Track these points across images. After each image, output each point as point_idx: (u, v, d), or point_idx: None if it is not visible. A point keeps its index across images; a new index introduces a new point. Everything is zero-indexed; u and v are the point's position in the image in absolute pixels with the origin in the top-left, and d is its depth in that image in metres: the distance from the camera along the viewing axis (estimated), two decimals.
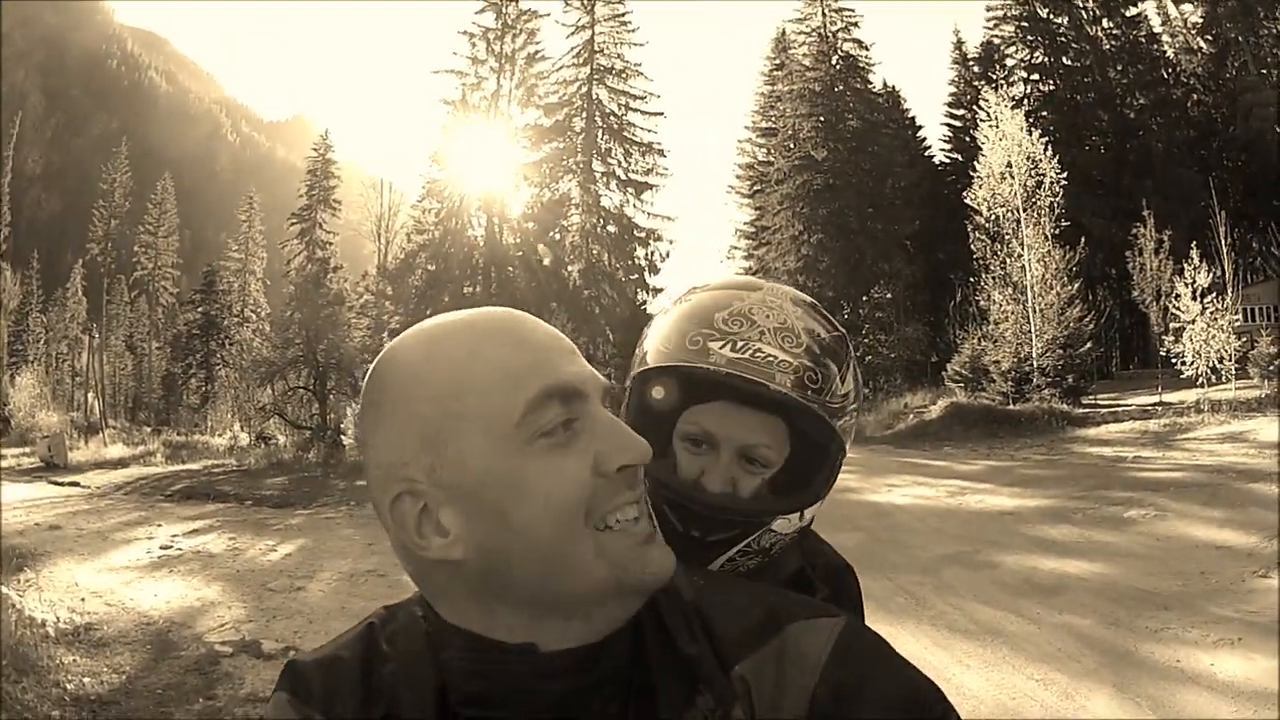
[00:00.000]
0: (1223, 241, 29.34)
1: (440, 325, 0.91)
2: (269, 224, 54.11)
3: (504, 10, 40.16)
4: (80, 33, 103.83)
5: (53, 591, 11.35)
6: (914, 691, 0.92)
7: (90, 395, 46.01)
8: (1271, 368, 26.35)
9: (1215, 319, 28.01)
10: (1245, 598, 8.77)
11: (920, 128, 47.09)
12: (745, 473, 1.35)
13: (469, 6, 42.36)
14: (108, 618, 10.04)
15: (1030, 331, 32.33)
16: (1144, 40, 43.70)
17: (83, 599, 10.98)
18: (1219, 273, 29.00)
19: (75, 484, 26.33)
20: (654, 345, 1.37)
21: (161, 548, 15.16)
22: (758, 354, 1.27)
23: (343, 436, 32.39)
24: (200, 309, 49.34)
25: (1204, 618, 8.20)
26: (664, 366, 1.33)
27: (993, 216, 33.96)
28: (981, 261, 34.16)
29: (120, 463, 31.82)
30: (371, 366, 0.93)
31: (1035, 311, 32.46)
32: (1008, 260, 33.52)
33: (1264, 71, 37.44)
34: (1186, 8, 44.15)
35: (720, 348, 1.28)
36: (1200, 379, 27.75)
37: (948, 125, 46.31)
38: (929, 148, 46.86)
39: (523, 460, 0.84)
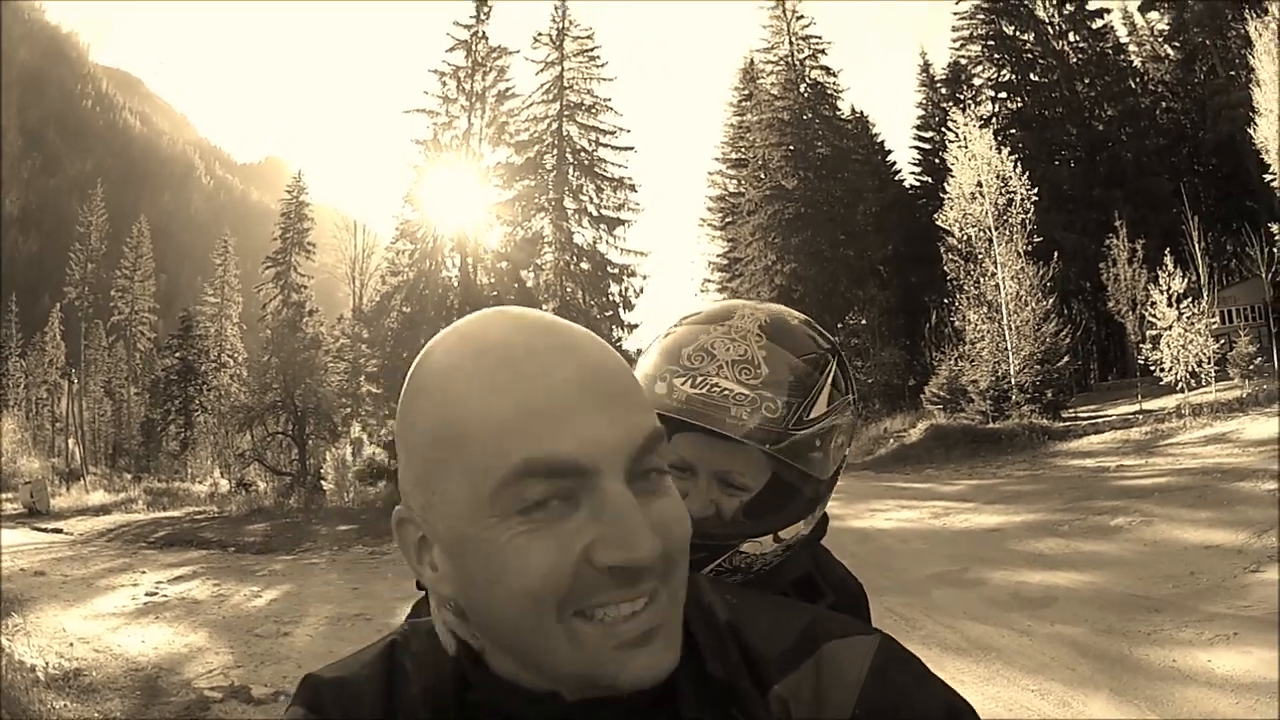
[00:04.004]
0: (1196, 246, 29.48)
1: (465, 339, 0.83)
2: (244, 267, 53.82)
3: (474, 48, 40.08)
4: (56, 71, 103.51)
5: (41, 637, 11.41)
6: (951, 710, 0.90)
7: (71, 441, 45.74)
8: (1251, 367, 26.66)
9: (1192, 323, 28.38)
10: (1238, 594, 8.89)
11: (890, 152, 47.18)
12: (725, 495, 1.36)
13: (439, 45, 42.50)
14: (96, 663, 10.09)
15: (1007, 349, 32.37)
16: (1111, 51, 43.90)
17: (71, 644, 11.04)
18: (1194, 278, 29.24)
19: (58, 530, 26.51)
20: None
21: (147, 594, 15.20)
22: (714, 389, 1.30)
23: (323, 481, 32.30)
24: (178, 354, 48.98)
25: (1197, 617, 8.29)
26: None
27: (965, 237, 34.07)
28: (955, 282, 34.24)
29: (102, 509, 31.82)
30: (420, 355, 0.87)
31: (1011, 329, 32.50)
32: (981, 279, 33.57)
33: (1232, 73, 37.66)
34: (1153, 16, 44.47)
35: (681, 384, 1.31)
36: (1180, 384, 28.04)
37: (917, 148, 46.45)
38: (899, 172, 46.93)
39: (497, 533, 0.76)
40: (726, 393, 1.29)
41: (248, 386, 41.10)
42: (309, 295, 44.04)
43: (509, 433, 0.75)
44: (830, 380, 1.37)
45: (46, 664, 9.75)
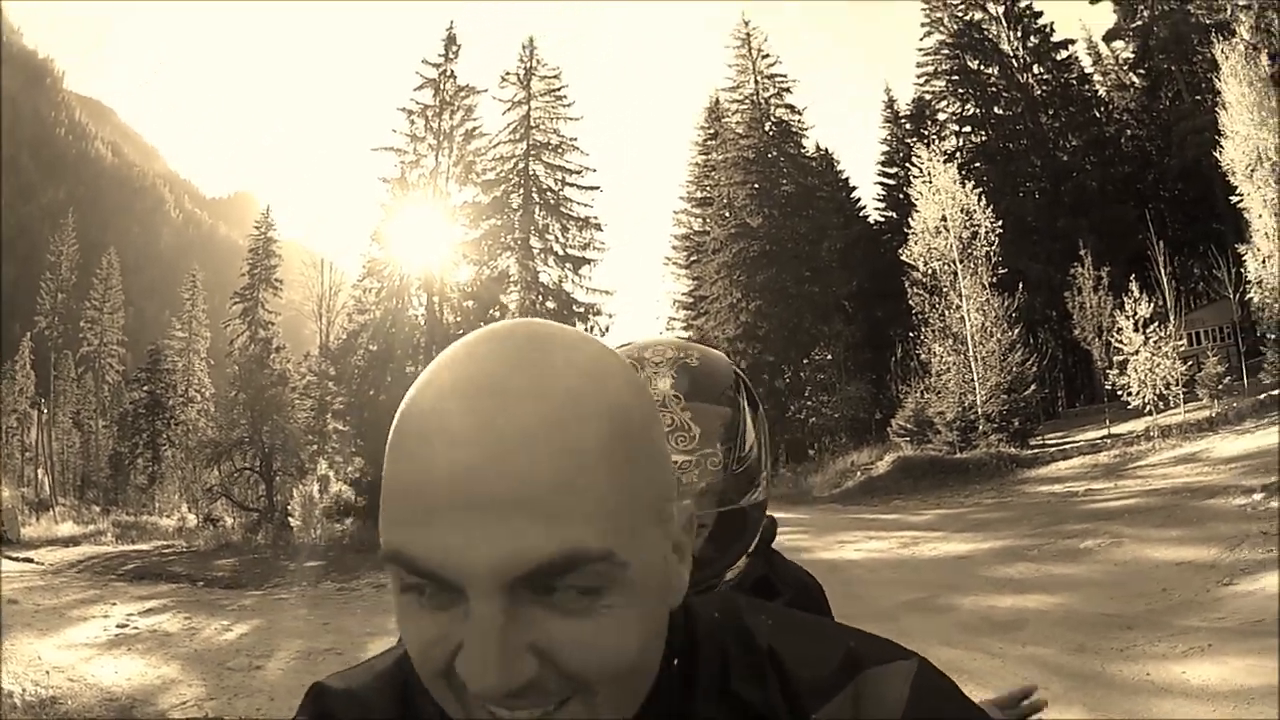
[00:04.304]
0: (1162, 271, 29.68)
1: (433, 369, 0.71)
2: (212, 303, 53.39)
3: (442, 87, 40.18)
4: (32, 96, 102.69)
5: (16, 664, 11.46)
6: None
7: (40, 471, 45.14)
8: (1220, 386, 26.85)
9: (1159, 347, 28.61)
10: (1211, 606, 8.97)
11: (854, 189, 47.19)
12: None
13: (408, 83, 42.55)
14: (71, 692, 10.15)
15: (973, 380, 32.51)
16: (1075, 82, 44.26)
17: (46, 673, 11.11)
18: (1160, 302, 29.45)
19: (29, 560, 26.17)
20: None
21: (118, 626, 15.22)
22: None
23: (290, 518, 32.05)
24: (145, 388, 48.49)
25: (1170, 631, 8.35)
26: None
27: (929, 271, 34.28)
28: (920, 316, 34.36)
29: (72, 540, 31.53)
30: None
31: (977, 360, 32.65)
32: (946, 312, 33.76)
33: (1198, 98, 37.94)
34: (1118, 44, 44.98)
35: None
36: (1147, 407, 28.23)
37: (881, 184, 46.48)
38: (863, 208, 46.97)
39: (399, 595, 0.70)
40: (674, 464, 1.27)
41: (215, 422, 40.92)
42: (276, 332, 43.73)
43: (388, 510, 0.68)
44: (746, 405, 1.40)
45: (23, 690, 9.71)
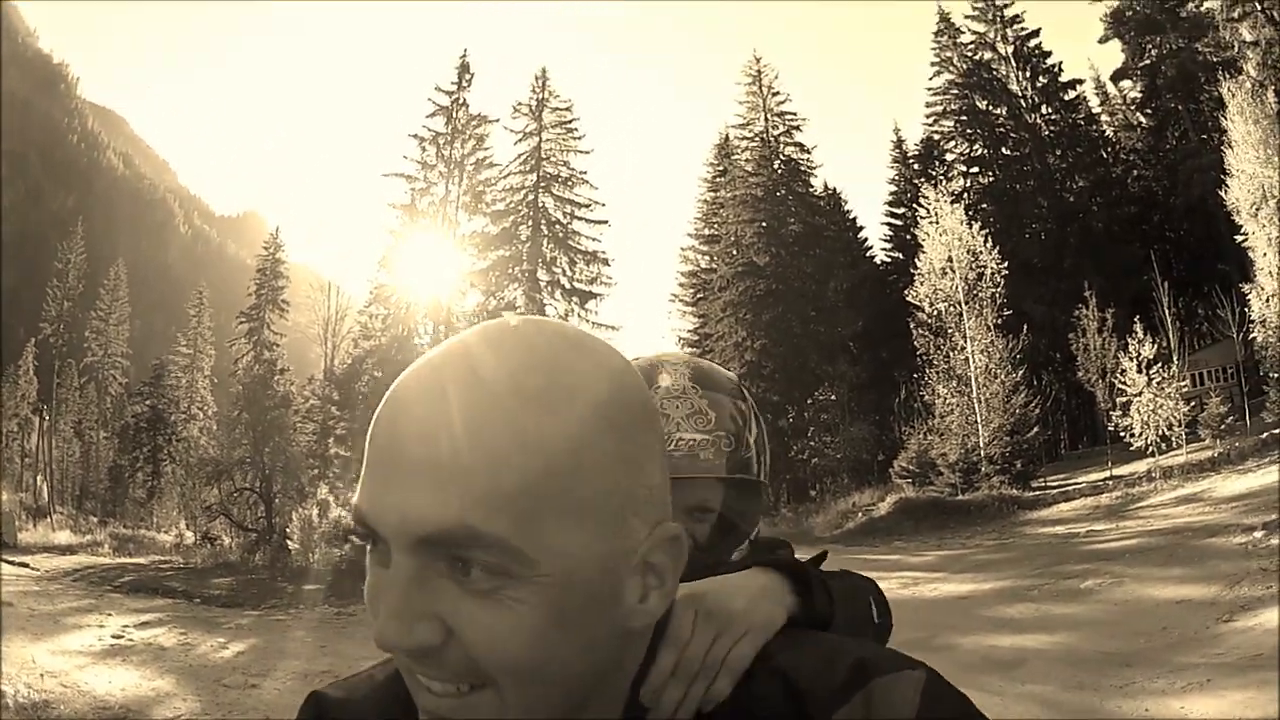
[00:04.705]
0: (1166, 312, 29.74)
1: (421, 361, 0.76)
2: (217, 320, 53.51)
3: (454, 115, 40.42)
4: (44, 101, 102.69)
5: (9, 666, 11.38)
6: None
7: (39, 478, 44.96)
8: (1223, 426, 26.77)
9: (1162, 388, 28.59)
10: (1210, 643, 8.95)
11: (861, 229, 47.17)
12: (696, 523, 1.40)
13: (421, 109, 42.62)
14: (64, 698, 10.17)
15: (976, 421, 32.41)
16: (1083, 122, 44.38)
17: (40, 676, 11.03)
18: (1164, 343, 29.52)
19: (25, 565, 26.12)
20: None
21: (113, 636, 15.23)
22: (680, 443, 1.38)
23: (289, 541, 31.92)
24: (148, 402, 48.48)
25: (1169, 668, 8.34)
26: None
27: (935, 312, 34.38)
28: (925, 357, 34.32)
29: (69, 549, 31.57)
30: None
31: (980, 401, 32.58)
32: (951, 354, 33.75)
33: (1204, 137, 37.84)
34: (1125, 84, 45.24)
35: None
36: (1150, 449, 28.19)
37: (888, 224, 46.49)
38: (870, 248, 46.96)
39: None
40: (693, 442, 1.38)
41: (216, 440, 40.95)
42: (281, 353, 43.68)
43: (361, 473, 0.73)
44: (749, 403, 1.48)
45: (15, 692, 9.69)
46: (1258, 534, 14.28)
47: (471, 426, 0.68)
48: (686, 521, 1.39)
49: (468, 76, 41.13)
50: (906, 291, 35.66)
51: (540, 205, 42.74)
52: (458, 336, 0.76)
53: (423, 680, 0.71)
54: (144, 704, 10.40)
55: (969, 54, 45.47)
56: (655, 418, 0.82)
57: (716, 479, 1.40)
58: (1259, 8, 35.31)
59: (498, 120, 42.06)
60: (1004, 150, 44.48)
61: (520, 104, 43.84)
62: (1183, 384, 29.44)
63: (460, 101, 40.77)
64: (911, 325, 34.87)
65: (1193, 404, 28.56)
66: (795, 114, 46.40)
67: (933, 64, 46.47)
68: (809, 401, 39.69)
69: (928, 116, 46.35)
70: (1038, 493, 29.43)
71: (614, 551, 0.72)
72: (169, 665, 13.01)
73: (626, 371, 0.79)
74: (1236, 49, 36.43)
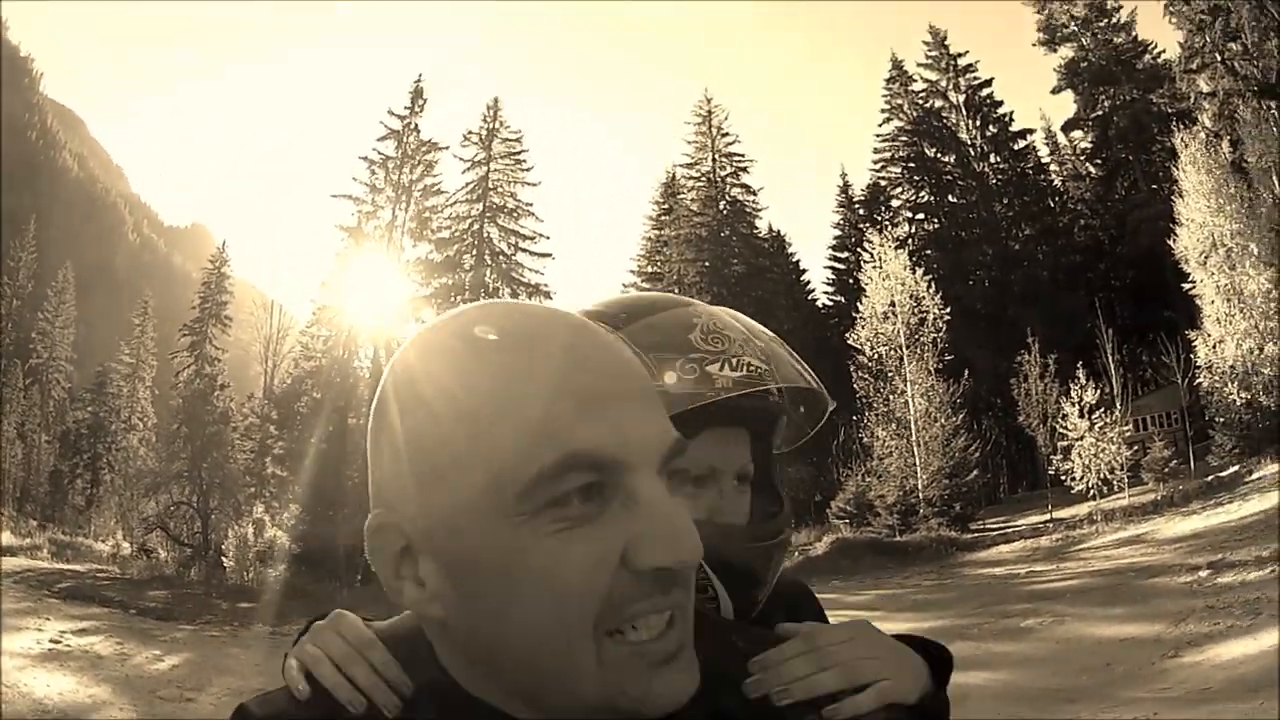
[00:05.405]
0: (1109, 358, 30.28)
1: (491, 323, 0.76)
2: (161, 331, 53.16)
3: (405, 140, 40.41)
4: (6, 95, 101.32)
5: None
6: None
7: None
8: (1166, 470, 27.08)
9: (1104, 432, 28.83)
10: (1156, 678, 9.10)
11: (804, 271, 47.54)
12: (739, 494, 1.26)
13: (373, 131, 42.48)
14: (5, 698, 10.22)
15: (915, 464, 32.61)
16: (1031, 171, 44.97)
17: None
18: (1107, 389, 29.93)
19: None
20: None
21: (51, 641, 15.51)
22: (752, 366, 1.21)
23: (224, 559, 31.79)
24: (90, 409, 48.42)
25: (1114, 703, 8.48)
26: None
27: (876, 355, 34.45)
28: (865, 400, 34.36)
29: (8, 551, 31.08)
30: (402, 348, 0.80)
31: (919, 444, 32.79)
32: (891, 397, 33.89)
33: (1154, 186, 38.52)
34: (1076, 134, 45.79)
35: (720, 370, 1.19)
36: (1091, 492, 28.43)
37: (831, 268, 46.91)
38: (813, 291, 47.29)
39: (523, 535, 0.69)
40: (763, 367, 1.22)
41: (155, 452, 40.62)
42: (222, 369, 43.49)
43: (545, 429, 0.69)
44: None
45: None
46: (1203, 573, 14.47)
47: (634, 359, 0.77)
48: (733, 488, 1.28)
49: (420, 102, 41.17)
50: (848, 335, 35.73)
51: (485, 235, 42.63)
52: (482, 306, 0.80)
53: (652, 632, 0.72)
54: (82, 710, 10.71)
55: (920, 101, 46.10)
56: None
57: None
58: (1219, 59, 35.72)
59: (448, 148, 42.09)
60: (950, 197, 45.06)
61: (471, 133, 43.81)
62: (1125, 428, 29.58)
63: (412, 126, 40.82)
64: (852, 368, 34.82)
65: (1135, 448, 28.84)
66: (743, 155, 46.84)
67: (883, 110, 47.08)
68: None
69: (875, 162, 46.97)
70: (976, 534, 29.77)
71: None
72: (105, 674, 13.27)
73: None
74: (1192, 100, 37.00)
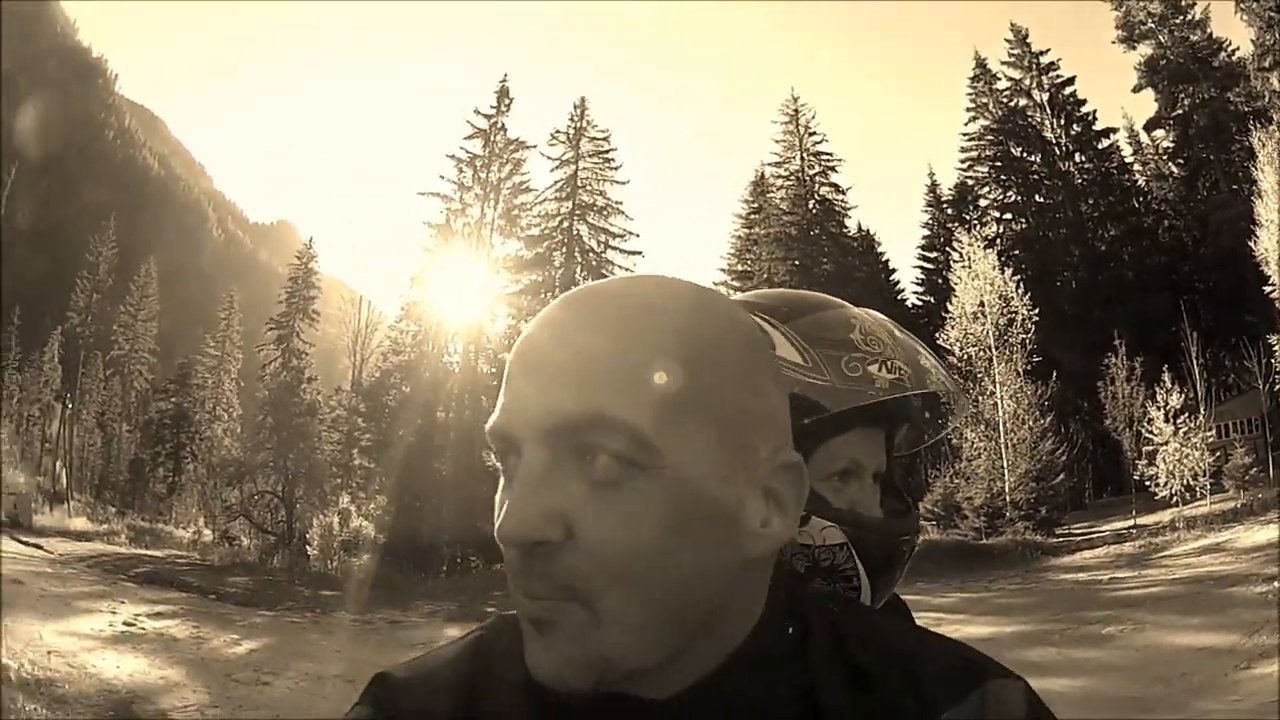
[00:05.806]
0: (1194, 362, 29.94)
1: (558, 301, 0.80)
2: (246, 325, 53.64)
3: (492, 139, 40.59)
4: (82, 93, 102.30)
5: (15, 641, 11.37)
6: None
7: (58, 464, 44.98)
8: (1247, 477, 26.68)
9: (1188, 438, 28.38)
10: (1229, 689, 9.03)
11: (894, 271, 47.37)
12: (875, 491, 1.29)
13: (459, 130, 42.55)
14: (69, 678, 10.23)
15: (1003, 466, 32.28)
16: (1115, 171, 44.38)
17: (47, 653, 11.07)
18: (1191, 393, 29.43)
19: (38, 546, 26.36)
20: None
21: (125, 623, 15.38)
22: (902, 370, 1.24)
23: (308, 547, 32.03)
24: (173, 399, 48.73)
25: (1189, 714, 8.46)
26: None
27: (965, 356, 34.22)
28: None
29: (84, 535, 31.73)
30: None
31: (1008, 447, 32.45)
32: (980, 398, 33.49)
33: (1235, 187, 37.86)
34: (1158, 133, 45.04)
35: (878, 370, 1.22)
36: (1175, 498, 27.96)
37: (921, 268, 46.53)
38: (902, 290, 46.91)
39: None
40: (908, 374, 1.23)
41: (240, 442, 41.21)
42: (310, 362, 43.80)
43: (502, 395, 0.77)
44: None
45: (19, 666, 9.73)
46: (1277, 584, 14.31)
47: (608, 330, 0.73)
48: (871, 485, 1.30)
49: (507, 101, 41.44)
50: (937, 335, 35.24)
51: (575, 232, 42.60)
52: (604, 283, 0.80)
53: (522, 589, 0.73)
54: (151, 691, 10.50)
55: (1004, 100, 45.71)
56: (766, 346, 0.91)
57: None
58: None
59: (535, 147, 42.25)
60: (1037, 197, 44.54)
61: (558, 132, 43.76)
62: (1209, 434, 29.10)
63: (499, 125, 41.02)
64: None
65: (1218, 454, 28.42)
66: (831, 154, 46.68)
67: (968, 109, 46.68)
68: None
69: (962, 161, 46.48)
70: (1061, 539, 29.29)
71: (734, 463, 0.74)
72: (179, 656, 13.13)
73: (722, 298, 0.84)
74: (1267, 98, 36.42)
